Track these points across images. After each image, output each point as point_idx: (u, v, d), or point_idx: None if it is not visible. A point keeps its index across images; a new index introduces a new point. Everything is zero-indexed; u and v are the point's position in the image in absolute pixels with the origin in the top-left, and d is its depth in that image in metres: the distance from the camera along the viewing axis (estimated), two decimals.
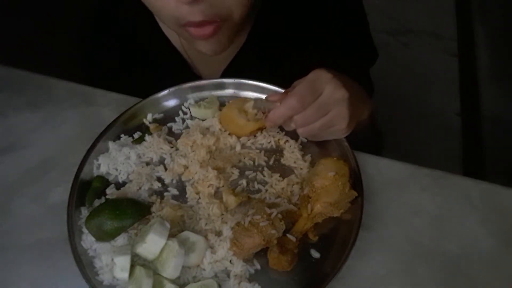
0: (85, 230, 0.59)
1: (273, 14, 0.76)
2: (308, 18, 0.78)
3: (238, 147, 0.68)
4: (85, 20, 0.87)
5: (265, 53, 0.78)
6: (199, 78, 0.82)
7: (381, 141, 0.96)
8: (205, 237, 0.58)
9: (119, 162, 0.66)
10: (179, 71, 0.82)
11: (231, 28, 0.66)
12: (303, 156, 0.66)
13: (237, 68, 0.79)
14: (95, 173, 0.66)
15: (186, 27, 0.63)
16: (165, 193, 0.64)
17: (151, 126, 0.71)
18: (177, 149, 0.68)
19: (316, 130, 0.61)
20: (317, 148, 0.67)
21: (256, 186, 0.64)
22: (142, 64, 0.82)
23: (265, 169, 0.66)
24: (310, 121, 0.60)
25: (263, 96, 0.72)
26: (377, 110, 0.81)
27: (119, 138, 0.69)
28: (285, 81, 0.74)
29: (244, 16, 0.66)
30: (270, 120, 0.63)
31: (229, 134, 0.69)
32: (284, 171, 0.65)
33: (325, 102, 0.59)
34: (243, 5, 0.64)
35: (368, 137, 0.80)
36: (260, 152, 0.68)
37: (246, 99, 0.70)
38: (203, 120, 0.71)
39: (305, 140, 0.68)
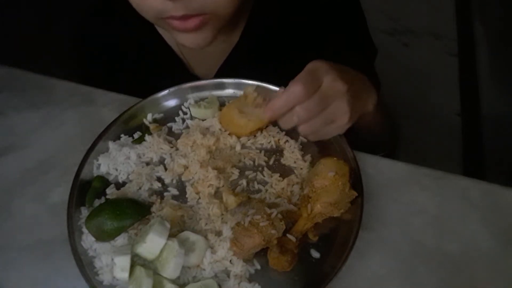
0: (85, 230, 0.59)
1: (267, 11, 0.76)
2: (303, 14, 0.77)
3: (238, 147, 0.68)
4: (80, 20, 0.87)
5: (260, 50, 0.77)
6: (194, 76, 0.82)
7: (395, 135, 0.93)
8: (205, 237, 0.58)
9: (119, 162, 0.66)
10: (173, 69, 0.82)
11: (216, 24, 0.65)
12: (303, 156, 0.66)
13: (232, 66, 0.79)
14: (95, 173, 0.66)
15: (168, 19, 0.63)
16: (165, 193, 0.64)
17: (151, 126, 0.71)
18: (177, 149, 0.68)
19: (318, 126, 0.59)
20: (317, 148, 0.67)
21: (256, 186, 0.64)
22: (137, 62, 0.82)
23: (265, 169, 0.66)
24: (312, 114, 0.57)
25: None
26: (385, 103, 0.80)
27: (119, 138, 0.69)
28: (281, 79, 0.74)
29: (231, 13, 0.65)
30: (270, 110, 0.58)
31: (229, 134, 0.69)
32: (284, 171, 0.65)
33: (326, 93, 0.57)
34: (229, 2, 0.63)
35: (379, 131, 0.78)
36: (260, 152, 0.67)
37: (246, 99, 0.70)
38: (203, 120, 0.71)
39: (305, 140, 0.68)
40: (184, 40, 0.67)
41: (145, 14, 0.65)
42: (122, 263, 0.53)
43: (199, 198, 0.63)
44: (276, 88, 0.71)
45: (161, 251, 0.54)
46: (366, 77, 0.68)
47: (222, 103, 0.72)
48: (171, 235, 0.56)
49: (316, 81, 0.57)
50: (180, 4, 0.59)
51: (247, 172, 0.65)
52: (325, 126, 0.60)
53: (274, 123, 0.67)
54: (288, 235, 0.58)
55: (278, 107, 0.58)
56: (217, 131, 0.69)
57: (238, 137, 0.68)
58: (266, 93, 0.63)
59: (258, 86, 0.64)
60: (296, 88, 0.56)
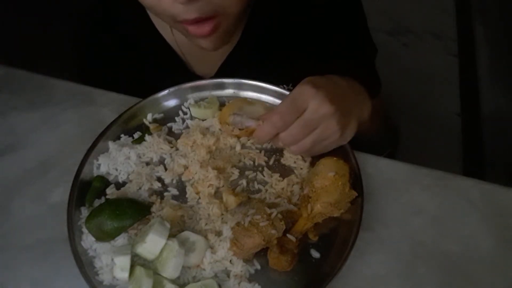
0: (85, 230, 0.59)
1: (267, 11, 0.76)
2: (303, 14, 0.77)
3: (238, 147, 0.68)
4: (80, 20, 0.87)
5: (260, 50, 0.78)
6: (194, 75, 0.82)
7: (395, 136, 0.93)
8: (205, 237, 0.58)
9: (119, 162, 0.66)
10: (173, 68, 0.82)
11: (228, 24, 0.66)
12: (303, 156, 0.66)
13: (233, 65, 0.79)
14: (95, 173, 0.66)
15: (182, 24, 0.63)
16: (165, 193, 0.64)
17: (151, 126, 0.71)
18: (177, 149, 0.68)
19: (308, 146, 0.60)
20: None
21: (256, 186, 0.64)
22: (136, 61, 0.82)
23: (265, 169, 0.66)
24: (298, 139, 0.59)
25: (263, 96, 0.72)
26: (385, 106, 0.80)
27: (119, 138, 0.69)
28: (281, 78, 0.74)
29: (241, 11, 0.66)
30: (257, 138, 0.62)
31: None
32: (284, 171, 0.65)
33: (310, 118, 0.57)
34: (239, 1, 0.63)
35: (376, 133, 0.78)
36: (260, 152, 0.68)
37: (246, 99, 0.70)
38: (203, 120, 0.71)
39: None
40: (201, 43, 0.67)
41: (160, 17, 0.66)
42: (122, 263, 0.53)
43: (199, 198, 0.63)
44: (278, 89, 0.71)
45: (161, 251, 0.54)
46: (363, 80, 0.68)
47: (222, 103, 0.72)
48: (171, 235, 0.56)
49: (297, 108, 0.57)
50: (192, 7, 0.59)
51: (247, 172, 0.65)
52: (317, 145, 0.60)
53: None
54: (288, 235, 0.58)
55: (263, 135, 0.60)
56: (217, 131, 0.69)
57: (238, 137, 0.68)
58: (242, 122, 0.64)
59: (234, 117, 0.64)
60: (274, 119, 0.58)
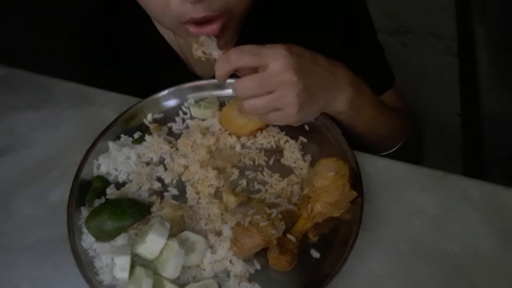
0: (85, 230, 0.59)
1: (266, 11, 0.76)
2: (304, 14, 0.77)
3: (238, 147, 0.68)
4: (80, 20, 0.87)
5: None
6: (195, 76, 0.82)
7: (417, 140, 0.88)
8: (205, 237, 0.58)
9: (119, 162, 0.66)
10: (175, 69, 0.82)
11: (234, 25, 0.66)
12: (303, 156, 0.66)
13: None
14: (95, 173, 0.66)
15: (186, 25, 0.63)
16: (165, 193, 0.64)
17: (151, 126, 0.71)
18: (177, 149, 0.68)
19: (260, 107, 0.57)
20: (317, 148, 0.67)
21: (256, 186, 0.64)
22: (138, 63, 0.82)
23: (265, 169, 0.66)
24: (249, 94, 0.56)
25: None
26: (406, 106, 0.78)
27: (119, 138, 0.70)
28: None
29: (246, 12, 0.65)
30: (216, 71, 0.58)
31: (229, 134, 0.69)
32: (284, 171, 0.65)
33: (267, 78, 0.55)
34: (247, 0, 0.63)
35: (382, 131, 0.75)
36: (260, 152, 0.68)
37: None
38: (203, 120, 0.71)
39: (305, 140, 0.68)
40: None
41: (163, 20, 0.65)
42: (122, 263, 0.53)
43: (199, 198, 0.63)
44: None
45: (161, 251, 0.54)
46: (373, 77, 0.66)
47: (222, 103, 0.72)
48: (171, 235, 0.56)
49: (257, 55, 0.54)
50: (200, 5, 0.59)
51: (247, 172, 0.65)
52: (269, 111, 0.58)
53: None
54: (288, 235, 0.58)
55: (217, 68, 0.57)
56: (217, 131, 0.69)
57: (238, 137, 0.68)
58: (208, 47, 0.59)
59: (205, 39, 0.59)
60: (231, 52, 0.55)
